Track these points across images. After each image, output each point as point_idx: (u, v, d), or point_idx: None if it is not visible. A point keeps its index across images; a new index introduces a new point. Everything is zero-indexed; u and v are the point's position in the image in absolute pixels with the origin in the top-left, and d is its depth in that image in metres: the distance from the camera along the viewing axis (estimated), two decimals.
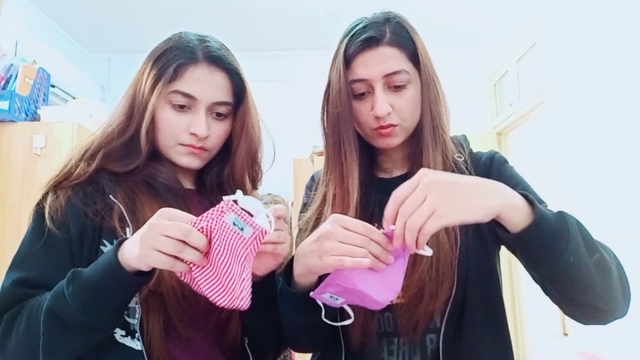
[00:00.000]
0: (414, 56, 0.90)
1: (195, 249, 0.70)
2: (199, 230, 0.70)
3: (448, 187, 0.68)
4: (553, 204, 0.87)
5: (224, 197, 0.70)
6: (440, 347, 0.84)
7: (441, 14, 3.32)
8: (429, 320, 0.86)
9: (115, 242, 0.77)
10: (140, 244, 0.70)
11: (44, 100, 2.66)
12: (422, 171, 0.70)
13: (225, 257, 0.71)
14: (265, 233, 0.73)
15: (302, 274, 0.79)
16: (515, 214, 0.71)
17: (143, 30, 3.53)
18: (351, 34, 0.90)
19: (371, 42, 0.88)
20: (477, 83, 3.75)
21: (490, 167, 0.94)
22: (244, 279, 0.75)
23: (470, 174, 0.90)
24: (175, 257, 0.70)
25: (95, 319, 0.74)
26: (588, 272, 0.71)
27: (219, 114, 0.93)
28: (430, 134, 0.91)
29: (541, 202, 0.87)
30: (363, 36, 0.88)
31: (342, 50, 0.90)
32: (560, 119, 2.56)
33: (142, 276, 0.75)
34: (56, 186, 0.88)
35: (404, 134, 0.92)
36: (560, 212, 0.73)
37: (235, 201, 0.72)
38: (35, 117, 2.55)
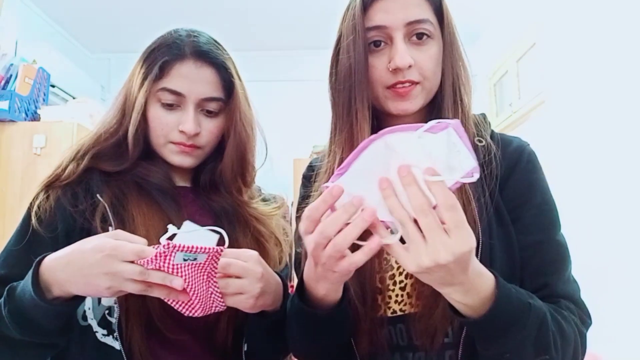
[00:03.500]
0: (439, 10, 0.80)
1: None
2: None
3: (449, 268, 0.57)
4: None
5: (161, 240, 0.68)
6: None
7: None
8: (448, 327, 0.75)
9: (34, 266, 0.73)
10: (98, 280, 0.68)
11: (44, 100, 2.65)
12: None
13: (189, 287, 0.71)
14: (221, 251, 0.72)
15: (330, 291, 0.70)
16: (470, 312, 0.64)
17: (143, 30, 3.50)
18: None
19: None
20: (477, 83, 3.75)
21: (517, 162, 0.82)
22: (212, 292, 0.74)
23: (493, 157, 0.80)
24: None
25: (39, 339, 0.73)
26: None
27: (209, 111, 0.91)
28: (451, 97, 0.80)
29: (555, 222, 0.80)
30: None
31: None
32: (560, 119, 2.55)
33: (75, 299, 0.73)
34: (48, 186, 0.88)
35: (423, 96, 0.80)
36: (528, 306, 0.65)
37: (172, 235, 0.71)
38: (35, 117, 2.54)
